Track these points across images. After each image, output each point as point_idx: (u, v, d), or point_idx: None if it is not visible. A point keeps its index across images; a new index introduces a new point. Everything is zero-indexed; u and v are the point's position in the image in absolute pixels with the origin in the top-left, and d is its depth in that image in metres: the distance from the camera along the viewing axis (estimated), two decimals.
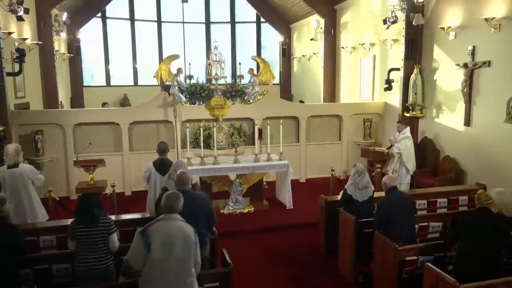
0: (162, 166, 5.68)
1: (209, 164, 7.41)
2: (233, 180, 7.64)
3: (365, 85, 10.93)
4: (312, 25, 13.03)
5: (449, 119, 8.09)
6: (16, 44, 8.84)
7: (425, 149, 8.61)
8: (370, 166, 8.71)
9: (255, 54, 16.44)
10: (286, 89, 16.77)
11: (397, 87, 9.29)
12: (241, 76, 8.22)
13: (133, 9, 15.99)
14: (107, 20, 15.70)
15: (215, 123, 8.14)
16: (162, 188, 4.76)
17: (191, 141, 8.32)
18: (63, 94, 12.82)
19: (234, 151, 7.90)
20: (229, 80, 8.62)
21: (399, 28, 9.03)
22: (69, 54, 13.81)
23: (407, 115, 8.82)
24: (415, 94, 8.64)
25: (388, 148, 8.37)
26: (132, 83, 16.27)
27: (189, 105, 8.56)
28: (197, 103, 8.43)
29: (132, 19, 16.05)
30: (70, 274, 4.14)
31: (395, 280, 4.38)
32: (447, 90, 8.13)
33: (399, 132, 8.01)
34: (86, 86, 15.30)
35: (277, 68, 16.51)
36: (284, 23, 16.37)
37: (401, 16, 8.67)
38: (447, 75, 8.06)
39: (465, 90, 7.41)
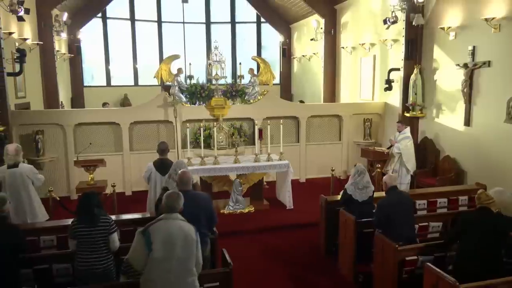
0: (163, 166, 5.69)
1: (209, 164, 7.41)
2: (234, 180, 7.64)
3: (365, 85, 10.93)
4: (312, 25, 13.03)
5: (449, 119, 8.09)
6: (17, 44, 8.84)
7: (425, 149, 8.61)
8: (370, 166, 8.71)
9: (255, 54, 16.43)
10: (286, 89, 16.77)
11: (397, 87, 9.30)
12: (241, 76, 8.21)
13: (134, 9, 16.00)
14: (108, 20, 15.71)
15: (215, 123, 8.14)
16: (163, 188, 4.77)
17: (191, 141, 8.33)
18: (64, 94, 12.82)
19: (234, 151, 7.91)
20: (229, 80, 8.63)
21: (399, 28, 9.03)
22: (69, 54, 13.81)
23: (407, 115, 8.83)
24: (415, 94, 8.65)
25: (388, 148, 8.37)
26: (133, 83, 16.28)
27: (189, 105, 8.56)
28: (197, 103, 8.43)
29: (132, 19, 16.05)
30: (70, 274, 4.14)
31: (395, 280, 4.38)
32: (447, 90, 8.13)
33: (399, 132, 8.01)
34: (86, 86, 15.31)
35: (277, 68, 16.51)
36: (284, 23, 16.37)
37: (401, 16, 8.68)
38: (447, 75, 8.06)
39: (465, 90, 7.42)
